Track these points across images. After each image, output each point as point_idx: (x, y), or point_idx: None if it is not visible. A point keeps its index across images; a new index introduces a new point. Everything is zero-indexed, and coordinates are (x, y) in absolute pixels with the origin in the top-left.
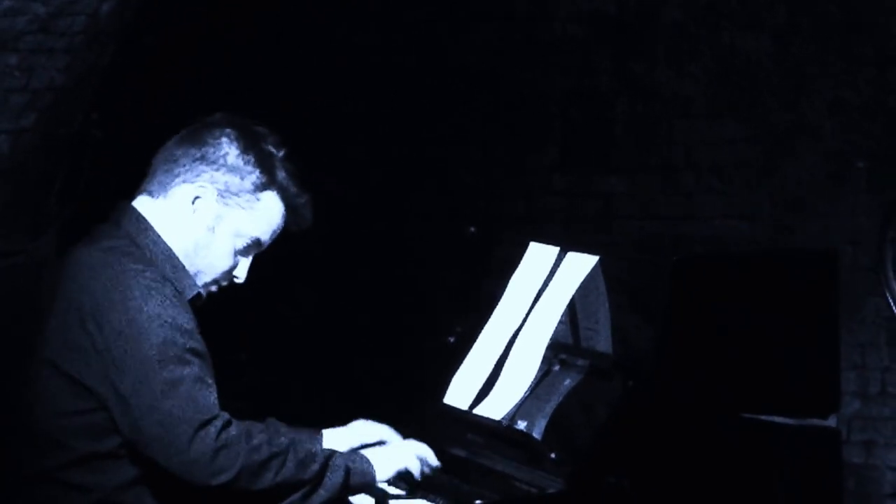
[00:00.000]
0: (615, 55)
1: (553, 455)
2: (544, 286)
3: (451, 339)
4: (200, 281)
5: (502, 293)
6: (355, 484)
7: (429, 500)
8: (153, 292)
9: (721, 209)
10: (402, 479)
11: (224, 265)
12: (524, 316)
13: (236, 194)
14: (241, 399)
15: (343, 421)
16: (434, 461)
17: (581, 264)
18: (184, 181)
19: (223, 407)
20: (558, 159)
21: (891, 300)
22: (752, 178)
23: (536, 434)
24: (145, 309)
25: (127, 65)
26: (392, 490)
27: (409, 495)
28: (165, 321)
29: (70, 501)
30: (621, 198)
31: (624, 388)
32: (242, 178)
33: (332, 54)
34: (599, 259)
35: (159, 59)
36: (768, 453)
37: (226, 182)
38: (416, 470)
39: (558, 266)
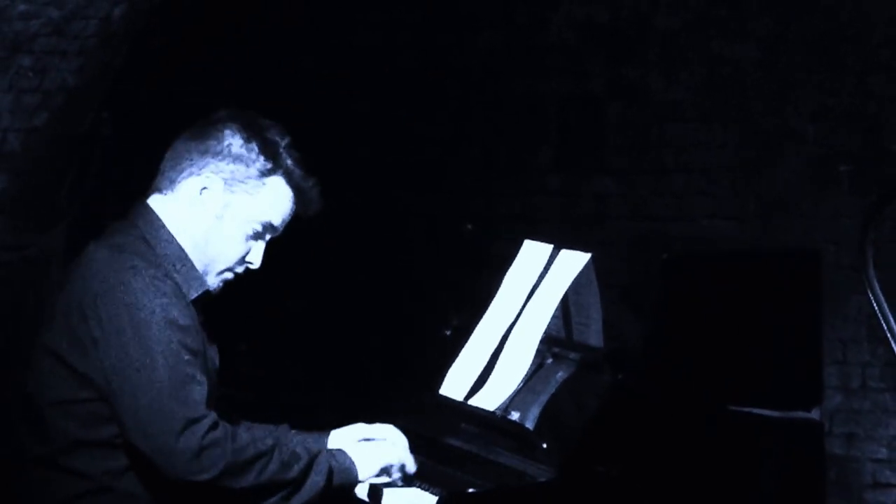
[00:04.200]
0: (609, 61)
1: (545, 445)
2: (538, 282)
3: (448, 333)
4: (215, 270)
5: (498, 289)
6: (339, 482)
7: (423, 488)
8: (153, 290)
9: (709, 210)
10: (386, 475)
11: (236, 252)
12: (519, 311)
13: (242, 181)
14: (241, 388)
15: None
16: (411, 467)
17: (574, 261)
18: (190, 174)
19: (224, 396)
20: (553, 160)
21: (872, 298)
22: (740, 181)
23: (529, 425)
24: (144, 304)
25: (137, 67)
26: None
27: (405, 484)
28: (163, 318)
29: (65, 485)
30: (614, 198)
31: (614, 381)
32: (248, 166)
33: (337, 57)
34: (592, 256)
35: (168, 62)
36: (753, 444)
37: (231, 171)
38: (395, 468)
39: (552, 263)
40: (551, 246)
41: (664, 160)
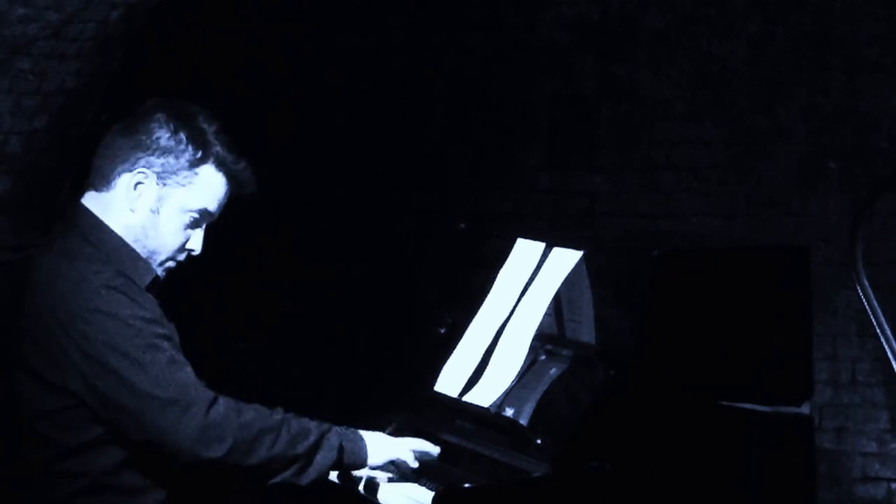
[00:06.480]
0: (598, 61)
1: (538, 440)
2: (531, 280)
3: (442, 330)
4: (156, 261)
5: (491, 286)
6: (348, 462)
7: (419, 483)
8: (111, 291)
9: (699, 207)
10: (393, 466)
11: (175, 242)
12: (512, 308)
13: (174, 173)
14: (239, 385)
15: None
16: (412, 464)
17: (566, 259)
18: (123, 171)
19: (222, 392)
20: (544, 159)
21: (861, 294)
22: (729, 178)
23: (523, 420)
24: (106, 309)
25: (134, 69)
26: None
27: (401, 479)
28: (128, 315)
29: (60, 488)
30: (604, 196)
31: (606, 377)
32: (177, 158)
33: (331, 59)
34: (583, 254)
35: (164, 64)
36: (744, 439)
37: (162, 164)
38: (409, 461)
39: (544, 260)
40: (543, 244)
41: (654, 158)
